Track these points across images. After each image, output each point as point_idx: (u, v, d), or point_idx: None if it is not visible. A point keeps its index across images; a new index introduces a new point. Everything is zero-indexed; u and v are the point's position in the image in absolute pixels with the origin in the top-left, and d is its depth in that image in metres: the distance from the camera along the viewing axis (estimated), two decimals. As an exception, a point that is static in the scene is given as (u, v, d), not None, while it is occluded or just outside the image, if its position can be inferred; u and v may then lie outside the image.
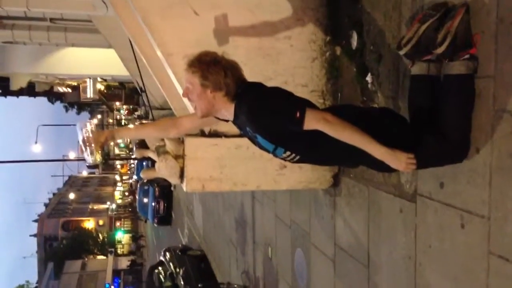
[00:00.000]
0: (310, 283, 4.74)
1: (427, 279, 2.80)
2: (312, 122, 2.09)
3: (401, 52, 2.37)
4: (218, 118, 2.40)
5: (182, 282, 8.61)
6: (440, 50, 2.20)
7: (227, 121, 2.39)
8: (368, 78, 3.38)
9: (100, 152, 2.57)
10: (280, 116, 2.14)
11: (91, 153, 2.56)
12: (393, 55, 3.05)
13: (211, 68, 2.17)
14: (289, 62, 3.71)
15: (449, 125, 2.28)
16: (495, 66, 2.19)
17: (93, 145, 2.53)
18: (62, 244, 42.45)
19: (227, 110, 2.26)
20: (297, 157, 2.32)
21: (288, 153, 2.29)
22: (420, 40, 2.29)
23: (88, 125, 2.57)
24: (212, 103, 2.23)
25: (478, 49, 2.23)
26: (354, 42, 3.54)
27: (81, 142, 2.56)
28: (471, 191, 2.40)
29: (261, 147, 2.33)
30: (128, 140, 45.68)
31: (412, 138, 2.28)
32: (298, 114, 2.08)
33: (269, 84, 3.60)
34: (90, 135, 2.55)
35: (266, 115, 2.15)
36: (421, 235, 2.86)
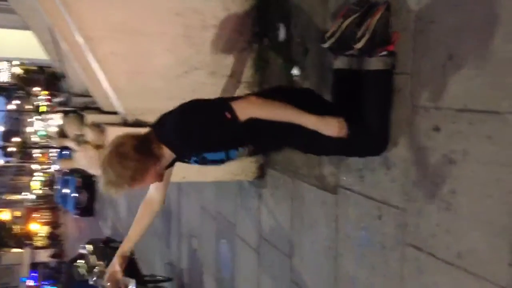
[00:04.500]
0: (235, 274, 4.75)
1: (346, 268, 2.89)
2: (243, 112, 2.08)
3: (324, 46, 2.40)
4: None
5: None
6: (358, 45, 2.25)
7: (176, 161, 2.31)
8: (295, 70, 3.41)
9: (127, 279, 2.56)
10: (214, 126, 2.10)
11: (125, 286, 2.52)
12: (318, 49, 3.09)
13: (118, 180, 2.04)
14: (216, 52, 3.66)
15: (369, 119, 2.35)
16: (412, 64, 2.27)
17: (119, 280, 2.52)
18: (-28, 237, 39.88)
19: (167, 158, 2.18)
20: (251, 147, 2.29)
21: (241, 149, 2.25)
22: (343, 35, 2.33)
23: (99, 279, 2.48)
24: (152, 173, 2.13)
25: (397, 46, 2.31)
26: (281, 35, 3.55)
27: None
28: (389, 184, 2.49)
29: (214, 163, 2.28)
30: (47, 127, 43.59)
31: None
32: (228, 114, 2.07)
33: (196, 75, 3.59)
34: (107, 284, 2.50)
35: (201, 134, 2.10)
36: (341, 226, 2.94)
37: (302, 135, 2.22)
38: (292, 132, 2.21)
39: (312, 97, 2.48)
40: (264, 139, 2.33)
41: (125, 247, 2.65)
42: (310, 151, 2.66)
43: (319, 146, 2.34)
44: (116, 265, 2.54)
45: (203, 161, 2.27)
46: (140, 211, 2.64)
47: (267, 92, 2.44)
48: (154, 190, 2.53)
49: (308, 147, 2.43)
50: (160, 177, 2.22)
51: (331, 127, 2.19)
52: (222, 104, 2.14)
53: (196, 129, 2.09)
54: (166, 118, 2.22)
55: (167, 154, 2.16)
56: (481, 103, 1.93)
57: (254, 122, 2.12)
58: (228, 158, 2.27)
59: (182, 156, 2.27)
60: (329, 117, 2.19)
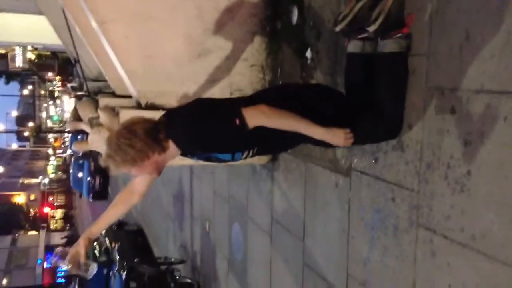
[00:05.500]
0: (247, 256, 4.80)
1: (359, 250, 2.90)
2: (252, 121, 2.11)
3: (337, 29, 2.38)
4: None
5: (117, 257, 8.47)
6: (372, 28, 2.23)
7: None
8: (308, 54, 3.39)
9: (89, 262, 2.45)
10: (222, 131, 2.13)
11: (85, 270, 2.42)
12: (332, 32, 3.07)
13: (120, 155, 2.07)
14: (229, 35, 3.65)
15: (383, 102, 2.34)
16: (428, 44, 2.25)
17: (80, 262, 2.40)
18: (-10, 219, 40.60)
19: (171, 152, 2.20)
20: (255, 149, 2.32)
21: (246, 152, 2.28)
22: (356, 17, 2.31)
23: (61, 260, 2.43)
24: (153, 162, 2.16)
25: (412, 27, 2.28)
26: (295, 18, 3.54)
27: (70, 270, 2.43)
28: (402, 166, 2.48)
29: (220, 161, 2.31)
30: (61, 112, 43.92)
31: (348, 114, 2.32)
32: (237, 121, 2.08)
33: (209, 58, 3.58)
34: (68, 265, 2.38)
35: (209, 136, 2.12)
36: (354, 209, 2.95)
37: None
38: (300, 134, 2.22)
39: (322, 99, 2.42)
40: (271, 143, 2.35)
41: (93, 230, 2.54)
42: (322, 145, 2.65)
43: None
44: (80, 247, 2.43)
45: (208, 158, 2.30)
46: (119, 198, 2.57)
47: (277, 95, 2.42)
48: (141, 183, 2.46)
49: (319, 142, 2.42)
50: (158, 171, 2.25)
51: (337, 138, 2.23)
52: (233, 110, 2.14)
53: (204, 131, 2.11)
54: (176, 114, 2.24)
55: (173, 149, 2.18)
56: (498, 84, 1.90)
57: (262, 128, 2.14)
58: (233, 159, 2.30)
59: (188, 153, 2.29)
60: (336, 128, 2.22)
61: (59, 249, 2.49)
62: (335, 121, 2.24)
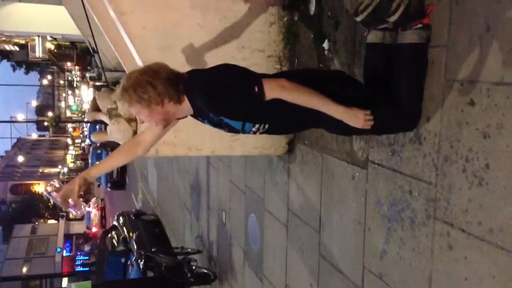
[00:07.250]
0: (263, 247, 4.81)
1: (375, 243, 2.89)
2: (270, 92, 2.11)
3: (358, 19, 2.36)
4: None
5: (135, 246, 8.58)
6: (393, 19, 2.21)
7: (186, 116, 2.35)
8: (325, 44, 3.37)
9: (82, 200, 2.45)
10: (240, 95, 2.13)
11: (74, 206, 2.43)
12: (350, 22, 3.05)
13: (138, 91, 2.09)
14: (246, 25, 3.64)
15: (401, 93, 2.32)
16: (448, 36, 2.22)
17: (70, 200, 2.40)
18: (11, 208, 41.42)
19: (183, 109, 2.22)
20: (267, 126, 2.32)
21: (257, 125, 2.28)
22: (377, 7, 2.28)
23: (51, 190, 2.43)
24: (165, 112, 2.19)
25: (432, 18, 2.25)
26: (312, 8, 3.51)
27: (60, 204, 2.44)
28: (420, 159, 2.46)
29: (229, 129, 2.31)
30: (80, 102, 44.37)
31: (366, 103, 2.30)
32: (256, 89, 2.09)
33: (225, 48, 3.58)
34: (58, 199, 2.39)
35: (226, 98, 2.12)
36: (370, 201, 2.94)
37: (328, 117, 2.21)
38: (317, 114, 2.20)
39: (342, 83, 2.41)
40: (284, 121, 2.35)
41: (92, 172, 2.54)
42: (337, 131, 2.64)
43: (347, 127, 2.29)
44: (75, 185, 2.41)
45: (219, 124, 2.28)
46: (124, 147, 2.59)
47: (298, 75, 2.42)
48: (148, 135, 2.46)
49: (335, 128, 2.40)
50: (166, 122, 2.27)
51: (357, 119, 2.19)
52: (254, 78, 2.16)
53: (222, 91, 2.12)
54: (199, 73, 2.26)
55: (186, 106, 2.20)
56: (518, 76, 1.87)
57: (278, 102, 2.14)
58: (243, 130, 2.29)
59: (200, 114, 2.28)
60: (356, 108, 2.19)
61: (54, 181, 2.50)
62: (355, 105, 2.22)
